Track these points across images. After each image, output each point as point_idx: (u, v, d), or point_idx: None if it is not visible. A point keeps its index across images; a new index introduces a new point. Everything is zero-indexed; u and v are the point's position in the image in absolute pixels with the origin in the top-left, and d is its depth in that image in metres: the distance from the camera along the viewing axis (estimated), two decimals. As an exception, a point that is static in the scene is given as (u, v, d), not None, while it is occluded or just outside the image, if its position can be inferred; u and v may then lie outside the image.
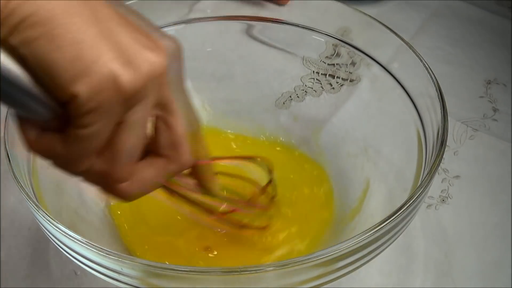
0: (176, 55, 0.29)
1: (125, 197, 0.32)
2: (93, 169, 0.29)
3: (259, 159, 0.47)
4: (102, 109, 0.25)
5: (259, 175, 0.47)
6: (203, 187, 0.38)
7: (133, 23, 0.27)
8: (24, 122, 0.28)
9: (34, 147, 0.28)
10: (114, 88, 0.25)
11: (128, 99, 0.26)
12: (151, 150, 0.32)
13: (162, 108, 0.29)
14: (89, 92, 0.25)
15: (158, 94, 0.28)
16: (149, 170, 0.31)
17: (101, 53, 0.25)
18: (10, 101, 0.26)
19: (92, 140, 0.27)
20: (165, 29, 0.55)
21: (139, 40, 0.26)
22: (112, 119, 0.27)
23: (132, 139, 0.28)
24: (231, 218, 0.44)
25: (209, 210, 0.42)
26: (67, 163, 0.29)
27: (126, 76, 0.25)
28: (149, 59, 0.26)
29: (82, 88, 0.24)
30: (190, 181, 0.38)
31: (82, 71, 0.24)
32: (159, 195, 0.39)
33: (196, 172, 0.37)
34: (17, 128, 0.28)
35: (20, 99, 0.25)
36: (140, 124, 0.28)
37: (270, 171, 0.47)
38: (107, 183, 0.30)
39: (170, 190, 0.38)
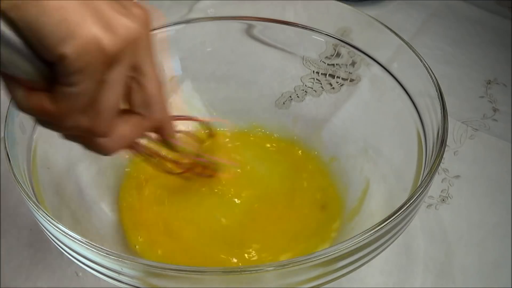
0: (147, 23, 0.31)
1: (105, 151, 0.35)
2: (77, 125, 0.31)
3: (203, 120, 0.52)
4: (87, 69, 0.28)
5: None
6: (166, 142, 0.41)
7: None
8: (13, 81, 0.30)
9: (24, 105, 0.31)
10: (97, 50, 0.28)
11: (109, 60, 0.29)
12: (127, 108, 0.34)
13: (136, 70, 0.32)
14: (76, 53, 0.27)
15: (133, 57, 0.31)
16: (126, 127, 0.34)
17: (84, 18, 0.27)
18: (4, 61, 0.28)
19: (78, 97, 0.29)
20: (165, 29, 0.55)
21: (116, 8, 0.29)
22: (95, 78, 0.29)
23: (112, 96, 0.31)
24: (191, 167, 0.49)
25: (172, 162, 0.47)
26: (54, 120, 0.31)
27: (107, 39, 0.28)
28: (126, 24, 0.29)
29: (69, 50, 0.27)
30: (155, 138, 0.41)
31: (68, 34, 0.27)
32: None
33: (162, 127, 0.39)
34: (6, 87, 0.30)
35: (12, 58, 0.28)
36: (119, 83, 0.31)
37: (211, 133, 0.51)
38: (89, 138, 0.33)
39: (138, 150, 0.42)
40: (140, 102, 0.34)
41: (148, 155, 0.44)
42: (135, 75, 0.32)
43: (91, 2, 0.28)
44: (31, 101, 0.30)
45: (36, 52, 0.28)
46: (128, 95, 0.33)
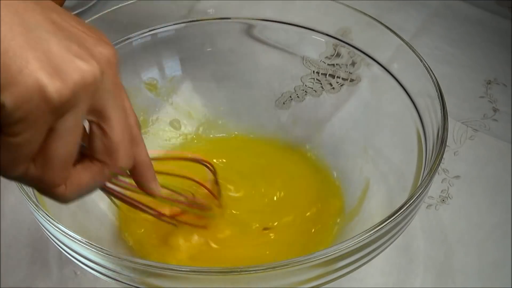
0: (111, 62, 0.29)
1: (61, 200, 0.32)
2: (28, 174, 0.29)
3: (201, 159, 0.47)
4: (30, 119, 0.26)
5: (203, 175, 0.47)
6: (143, 188, 0.38)
7: (68, 30, 0.27)
8: None
9: None
10: (40, 98, 0.25)
11: (56, 109, 0.26)
12: (87, 154, 0.32)
13: (96, 114, 0.29)
14: (15, 102, 0.25)
15: (91, 102, 0.28)
16: (85, 175, 0.31)
17: (27, 63, 0.25)
18: None
19: (23, 148, 0.27)
20: (165, 29, 0.55)
21: (70, 49, 0.26)
22: (42, 128, 0.27)
23: (64, 146, 0.28)
24: (174, 215, 0.44)
25: (150, 208, 0.41)
26: (3, 168, 0.28)
27: (53, 86, 0.25)
28: (79, 68, 0.26)
29: (7, 98, 0.24)
30: (129, 182, 0.38)
31: (7, 81, 0.24)
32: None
33: (135, 173, 0.37)
34: None
35: None
36: (72, 132, 0.28)
37: (213, 172, 0.47)
38: (42, 187, 0.31)
39: (109, 192, 0.38)
40: (101, 148, 0.31)
41: (126, 201, 0.39)
42: (96, 120, 0.30)
43: (42, 44, 0.25)
44: None
45: None
46: (88, 139, 0.31)
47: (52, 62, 0.25)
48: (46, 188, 0.30)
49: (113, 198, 0.38)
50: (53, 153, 0.28)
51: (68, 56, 0.26)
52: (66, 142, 0.28)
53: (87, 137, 0.31)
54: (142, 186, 0.38)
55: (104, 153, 0.31)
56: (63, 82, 0.26)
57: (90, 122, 0.30)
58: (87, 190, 0.33)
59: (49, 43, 0.26)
